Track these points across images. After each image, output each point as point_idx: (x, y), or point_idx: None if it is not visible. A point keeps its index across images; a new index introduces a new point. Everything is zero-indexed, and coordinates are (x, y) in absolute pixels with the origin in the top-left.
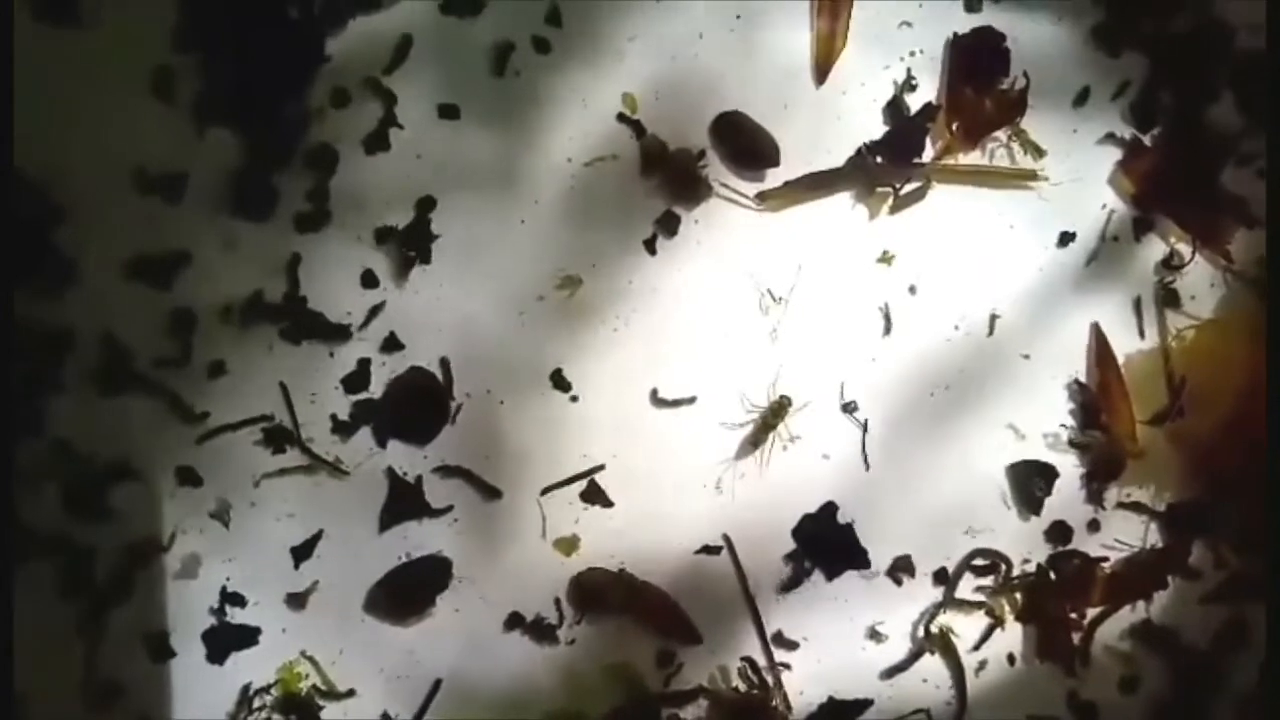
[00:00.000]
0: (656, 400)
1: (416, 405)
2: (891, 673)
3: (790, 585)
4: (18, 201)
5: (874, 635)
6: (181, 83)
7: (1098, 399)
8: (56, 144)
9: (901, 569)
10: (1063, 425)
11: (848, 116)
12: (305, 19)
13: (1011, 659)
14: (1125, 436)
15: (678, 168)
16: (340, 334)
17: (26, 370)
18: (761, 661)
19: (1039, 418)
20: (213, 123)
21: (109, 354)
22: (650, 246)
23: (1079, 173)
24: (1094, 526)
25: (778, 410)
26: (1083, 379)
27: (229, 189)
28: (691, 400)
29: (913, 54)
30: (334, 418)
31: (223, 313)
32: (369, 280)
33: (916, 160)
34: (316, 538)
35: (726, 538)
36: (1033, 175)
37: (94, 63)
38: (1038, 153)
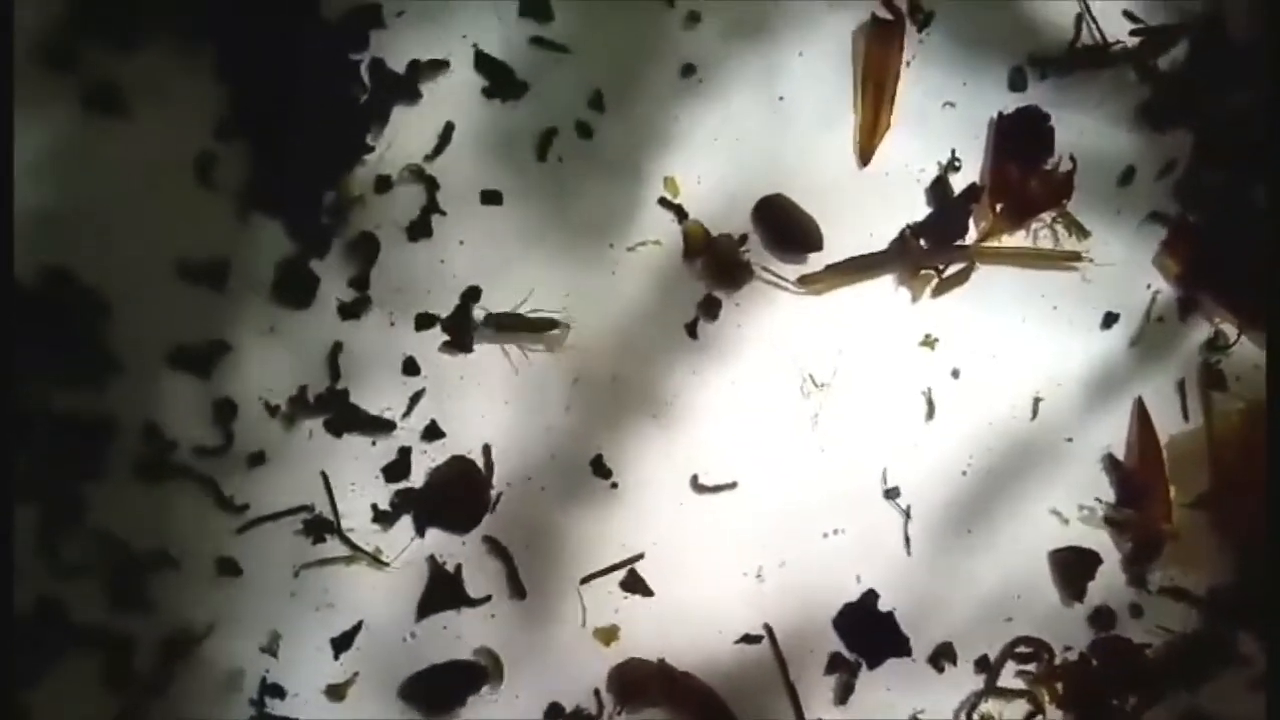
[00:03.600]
0: (697, 486)
1: (457, 494)
2: None
3: (832, 674)
4: (60, 293)
5: None
6: (225, 170)
7: (1136, 478)
8: (100, 233)
9: (943, 656)
10: (1098, 499)
11: (891, 197)
12: (349, 109)
13: None
14: (1162, 518)
15: (720, 252)
16: (384, 427)
17: (68, 459)
18: None
19: (1082, 502)
20: (255, 210)
21: (150, 443)
22: (692, 330)
23: (1123, 253)
24: (1136, 611)
25: None
26: (1122, 457)
27: (271, 276)
28: (732, 486)
29: (956, 134)
30: (374, 507)
31: (264, 404)
32: (410, 368)
33: (960, 242)
34: (356, 629)
35: (768, 627)
36: (1077, 257)
37: (138, 151)
38: (1082, 233)
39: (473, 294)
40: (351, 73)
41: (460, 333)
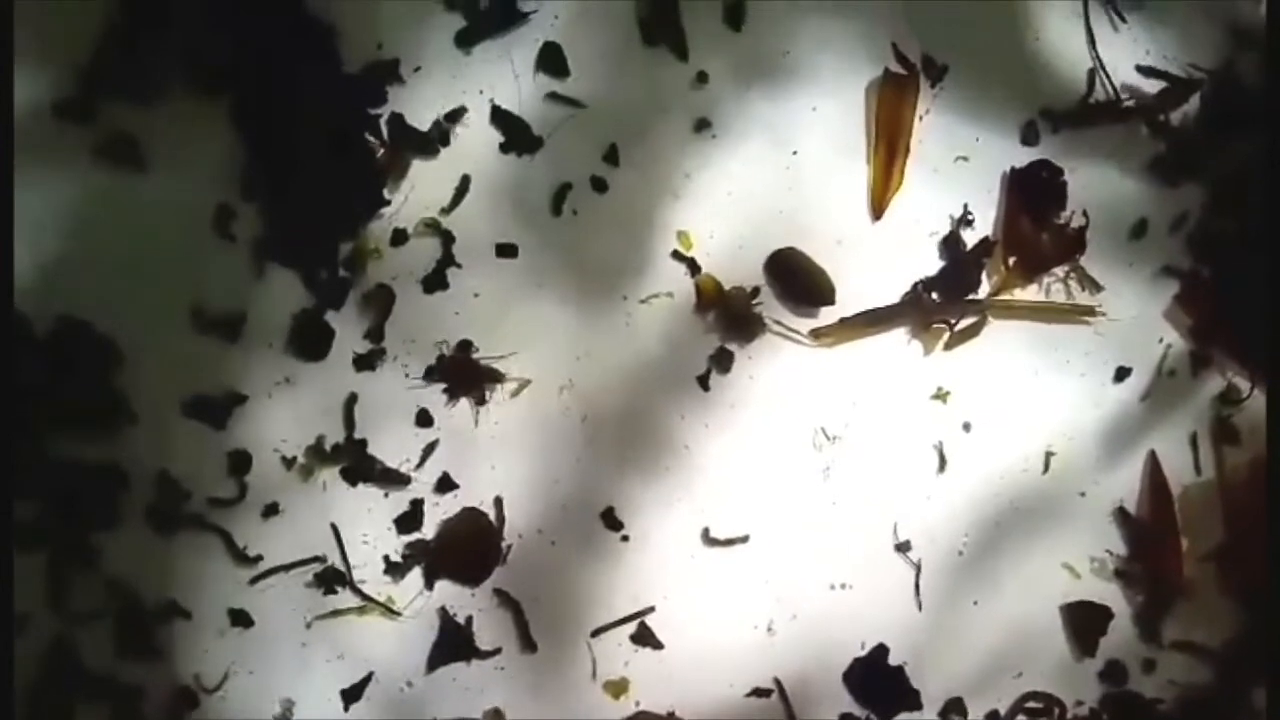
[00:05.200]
0: (708, 539)
1: (468, 545)
2: None
3: None
4: (76, 342)
5: None
6: (242, 222)
7: (1148, 531)
8: (116, 284)
9: (954, 711)
10: (1109, 552)
11: (903, 251)
12: (367, 163)
13: None
14: (1174, 571)
15: (732, 305)
16: (399, 480)
17: (80, 508)
18: None
19: (1093, 555)
20: (271, 262)
21: (163, 493)
22: (704, 383)
23: (1136, 307)
24: (1149, 666)
25: None
26: (1134, 510)
27: (287, 328)
28: (744, 539)
29: (969, 188)
30: (386, 558)
31: (279, 455)
32: (423, 419)
33: (972, 296)
34: (366, 680)
35: (778, 681)
36: (1090, 311)
37: (155, 203)
38: (1094, 287)
39: (468, 345)
40: (370, 127)
41: (473, 384)
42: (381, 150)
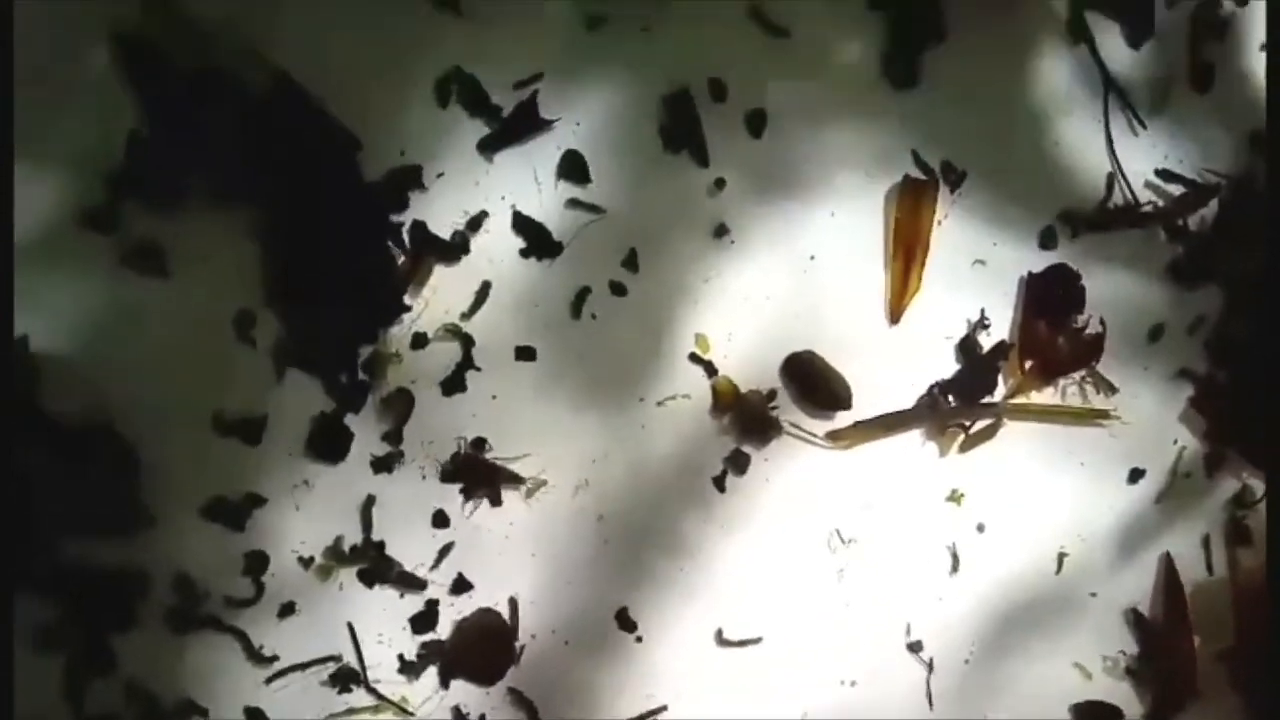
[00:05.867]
0: (721, 640)
1: (483, 646)
2: None
3: None
4: (96, 445)
5: None
6: (263, 327)
7: (1161, 631)
8: (137, 387)
9: None
10: (1121, 652)
11: (920, 354)
12: (388, 270)
13: None
14: (1186, 671)
15: (749, 408)
16: (416, 584)
17: (98, 610)
18: None
19: (1105, 655)
20: (292, 366)
21: (181, 594)
22: (719, 484)
23: (1151, 409)
24: None
25: None
26: (1147, 610)
27: (306, 431)
28: (757, 641)
29: (986, 291)
30: (401, 658)
31: (297, 557)
32: (440, 520)
33: (988, 399)
34: None
35: None
36: (1104, 414)
37: (177, 309)
38: (1110, 390)
39: (482, 443)
40: (391, 234)
41: (489, 486)
42: (403, 258)
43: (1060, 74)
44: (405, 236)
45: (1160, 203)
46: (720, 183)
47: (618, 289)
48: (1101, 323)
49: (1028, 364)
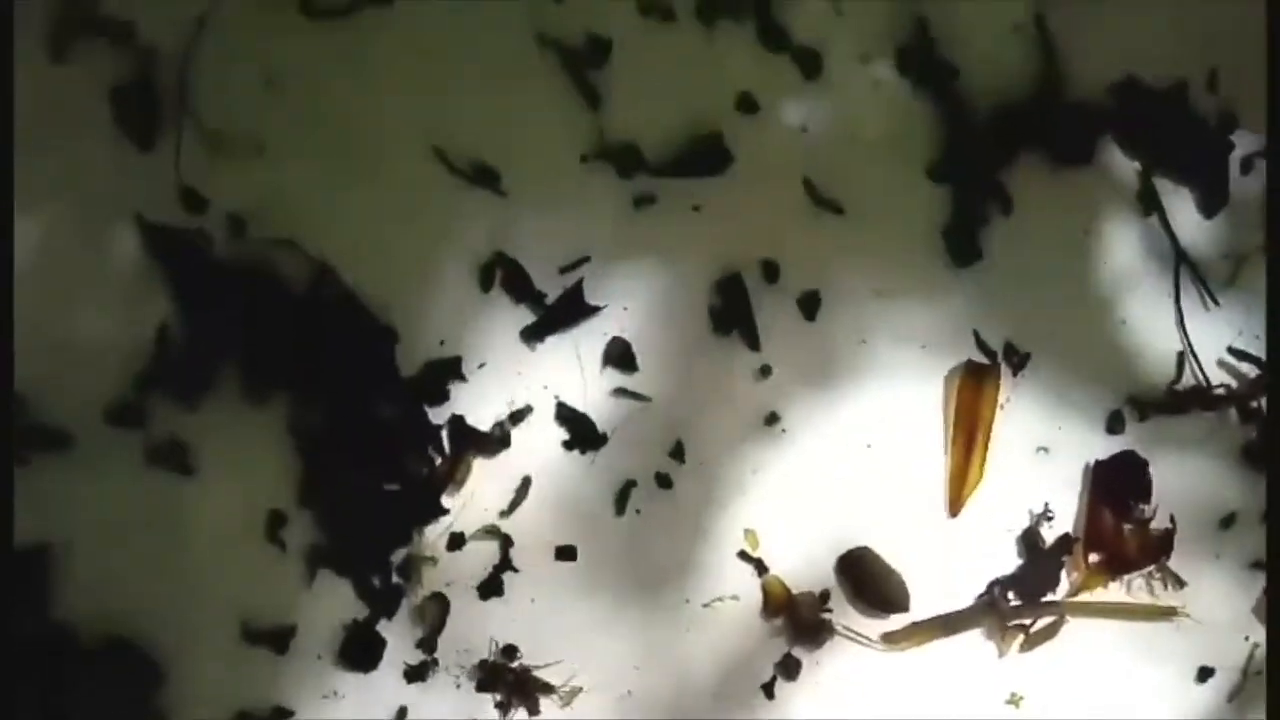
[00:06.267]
0: None
1: None
2: None
3: None
4: (120, 655)
5: None
6: (294, 529)
7: None
8: (163, 593)
9: None
10: None
11: (980, 549)
12: (425, 468)
13: None
14: None
15: (800, 611)
16: None
17: None
18: None
19: None
20: (323, 569)
21: None
22: (769, 691)
23: (1222, 602)
24: None
25: None
26: None
27: (337, 639)
28: None
29: (1050, 480)
30: None
31: None
32: None
33: (1050, 596)
34: None
35: None
36: (1173, 611)
37: (205, 510)
38: (1178, 584)
39: (513, 649)
40: (430, 436)
41: (526, 696)
42: (440, 460)
43: (1129, 247)
44: (444, 434)
45: (1233, 383)
46: (769, 368)
47: (663, 481)
48: (1171, 520)
49: (1092, 559)
